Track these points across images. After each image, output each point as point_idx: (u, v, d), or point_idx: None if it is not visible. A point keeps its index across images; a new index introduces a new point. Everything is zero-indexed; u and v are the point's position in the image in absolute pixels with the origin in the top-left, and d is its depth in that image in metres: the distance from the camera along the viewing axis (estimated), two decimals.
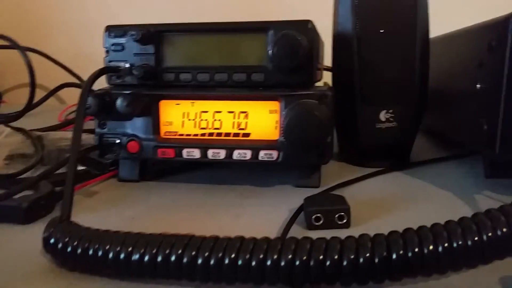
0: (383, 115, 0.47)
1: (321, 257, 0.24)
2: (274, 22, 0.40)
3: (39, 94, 0.92)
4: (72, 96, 1.03)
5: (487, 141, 0.38)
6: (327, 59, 0.52)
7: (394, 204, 0.39)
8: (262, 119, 0.41)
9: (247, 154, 0.41)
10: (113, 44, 0.43)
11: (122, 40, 0.43)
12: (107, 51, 0.44)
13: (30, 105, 0.69)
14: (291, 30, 0.39)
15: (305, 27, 0.40)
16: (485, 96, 0.39)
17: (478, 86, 0.40)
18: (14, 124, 0.64)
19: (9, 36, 0.73)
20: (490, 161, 0.43)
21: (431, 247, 0.23)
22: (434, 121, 0.58)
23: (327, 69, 0.53)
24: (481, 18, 0.42)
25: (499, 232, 0.22)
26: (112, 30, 0.43)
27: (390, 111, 0.47)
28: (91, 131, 0.48)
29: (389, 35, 0.45)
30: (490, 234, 0.23)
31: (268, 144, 0.41)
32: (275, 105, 0.41)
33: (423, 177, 0.46)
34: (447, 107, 0.52)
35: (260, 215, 0.37)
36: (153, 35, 0.42)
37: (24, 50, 0.74)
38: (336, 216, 0.33)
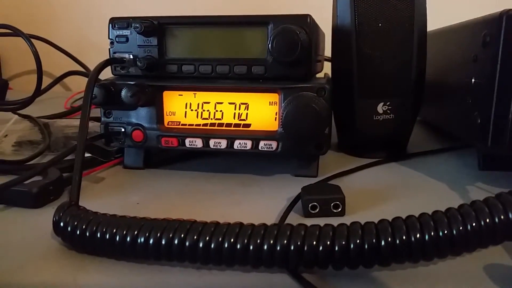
0: (380, 108, 0.48)
1: (314, 242, 0.25)
2: (274, 16, 0.41)
3: (45, 81, 0.93)
4: (77, 83, 1.04)
5: (480, 135, 0.39)
6: (329, 50, 0.53)
7: (388, 193, 0.40)
8: (262, 110, 0.42)
9: (248, 144, 0.42)
10: (117, 36, 0.44)
11: (126, 32, 0.44)
12: (112, 42, 0.45)
13: (38, 93, 0.70)
14: (291, 24, 0.40)
15: (305, 22, 0.40)
16: (479, 91, 0.40)
17: (473, 80, 0.41)
18: (21, 111, 0.65)
19: (11, 25, 0.74)
20: (484, 153, 0.44)
21: (418, 235, 0.24)
22: (431, 113, 0.59)
23: (328, 59, 0.54)
24: (479, 13, 0.42)
25: (482, 223, 0.24)
26: (116, 22, 0.44)
27: (388, 103, 0.48)
28: (97, 119, 0.49)
29: (387, 29, 0.46)
30: (474, 224, 0.24)
31: (268, 135, 0.42)
32: (274, 97, 0.42)
33: (418, 168, 0.47)
34: (444, 100, 0.52)
35: (260, 203, 0.38)
36: (156, 28, 0.43)
37: (27, 37, 0.74)
38: (332, 204, 0.35)
